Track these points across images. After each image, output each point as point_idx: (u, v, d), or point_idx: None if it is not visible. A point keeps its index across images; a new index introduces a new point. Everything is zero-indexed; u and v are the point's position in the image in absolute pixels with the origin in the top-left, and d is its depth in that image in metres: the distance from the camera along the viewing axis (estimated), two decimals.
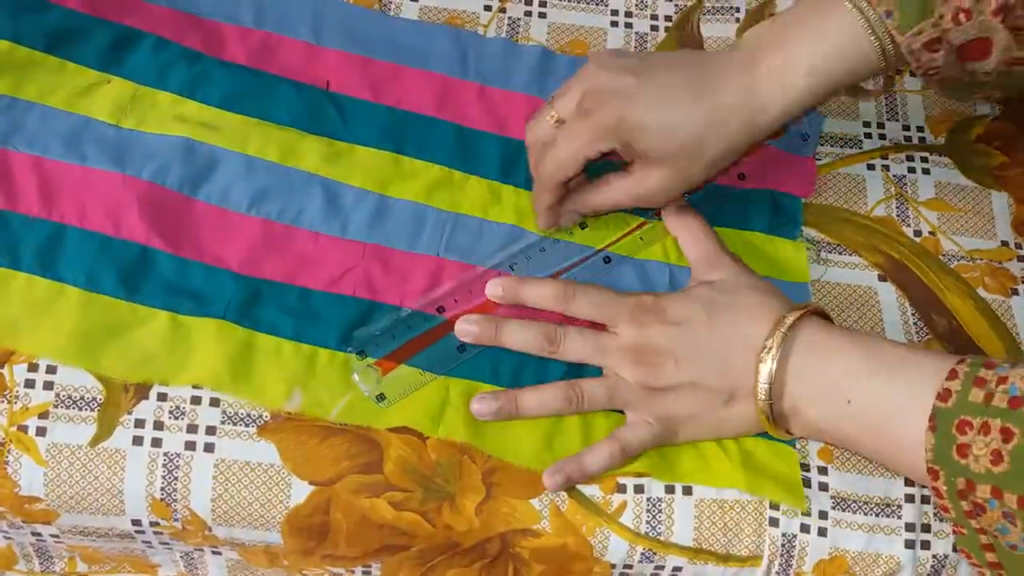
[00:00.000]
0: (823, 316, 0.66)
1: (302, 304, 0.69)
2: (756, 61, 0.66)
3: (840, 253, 0.74)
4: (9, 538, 0.70)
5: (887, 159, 0.78)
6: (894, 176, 0.77)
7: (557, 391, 0.66)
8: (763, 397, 0.63)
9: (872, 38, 0.64)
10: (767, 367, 0.63)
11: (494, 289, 0.69)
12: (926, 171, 0.78)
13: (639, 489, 0.66)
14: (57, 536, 0.68)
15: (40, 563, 0.73)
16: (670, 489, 0.66)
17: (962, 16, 0.62)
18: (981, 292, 0.73)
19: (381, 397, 0.66)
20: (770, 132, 0.67)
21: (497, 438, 0.66)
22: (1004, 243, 0.75)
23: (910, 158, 0.78)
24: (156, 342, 0.67)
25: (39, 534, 0.68)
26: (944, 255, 0.75)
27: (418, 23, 0.80)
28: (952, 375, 0.59)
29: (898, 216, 0.76)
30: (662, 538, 0.65)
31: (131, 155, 0.71)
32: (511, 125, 0.77)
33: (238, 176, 0.72)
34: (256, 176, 0.72)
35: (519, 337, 0.67)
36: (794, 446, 0.67)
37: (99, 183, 0.70)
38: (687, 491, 0.66)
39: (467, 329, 0.67)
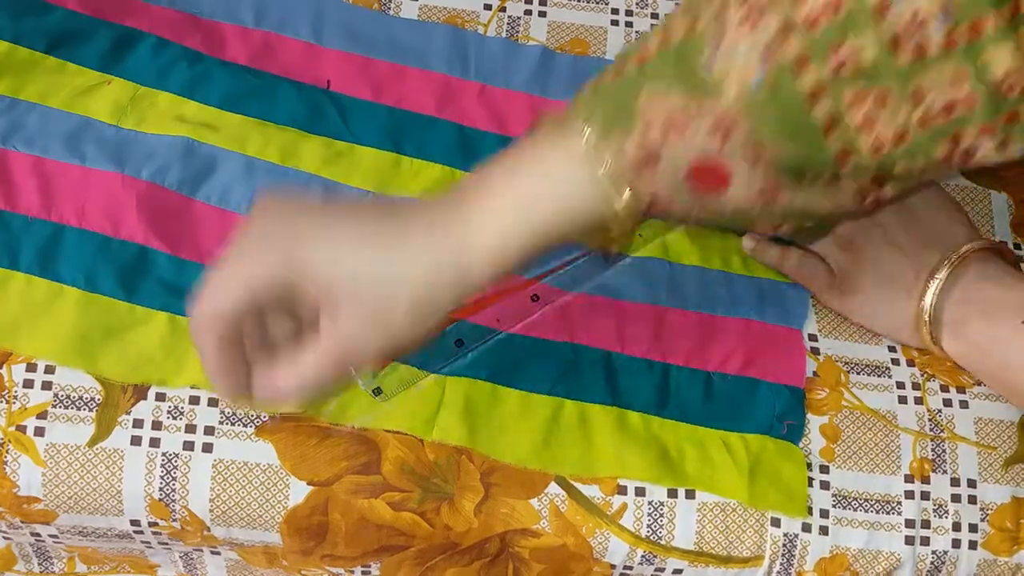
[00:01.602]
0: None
1: None
2: (454, 211, 0.55)
3: None
4: (8, 538, 0.70)
5: None
6: None
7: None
8: (934, 291, 0.65)
9: (581, 171, 0.53)
10: (944, 269, 0.65)
11: None
12: None
13: (640, 492, 0.66)
14: (56, 536, 0.68)
15: (39, 563, 0.73)
16: (672, 493, 0.66)
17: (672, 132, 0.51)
18: None
19: (378, 391, 0.66)
20: (479, 287, 0.56)
21: (494, 440, 0.66)
22: (1002, 243, 0.75)
23: None
24: (154, 343, 0.66)
25: (38, 534, 0.68)
26: None
27: (418, 23, 0.80)
28: None
29: None
30: (663, 542, 0.65)
31: (131, 155, 0.71)
32: (512, 124, 0.77)
33: (238, 177, 0.72)
34: (256, 177, 0.72)
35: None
36: (797, 444, 0.67)
37: (98, 183, 0.70)
38: (690, 495, 0.66)
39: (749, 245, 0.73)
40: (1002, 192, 0.77)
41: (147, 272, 0.68)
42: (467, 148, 0.75)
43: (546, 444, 0.66)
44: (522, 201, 0.54)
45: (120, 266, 0.68)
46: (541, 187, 0.54)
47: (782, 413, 0.68)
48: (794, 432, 0.68)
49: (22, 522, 0.66)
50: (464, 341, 0.68)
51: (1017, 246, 0.75)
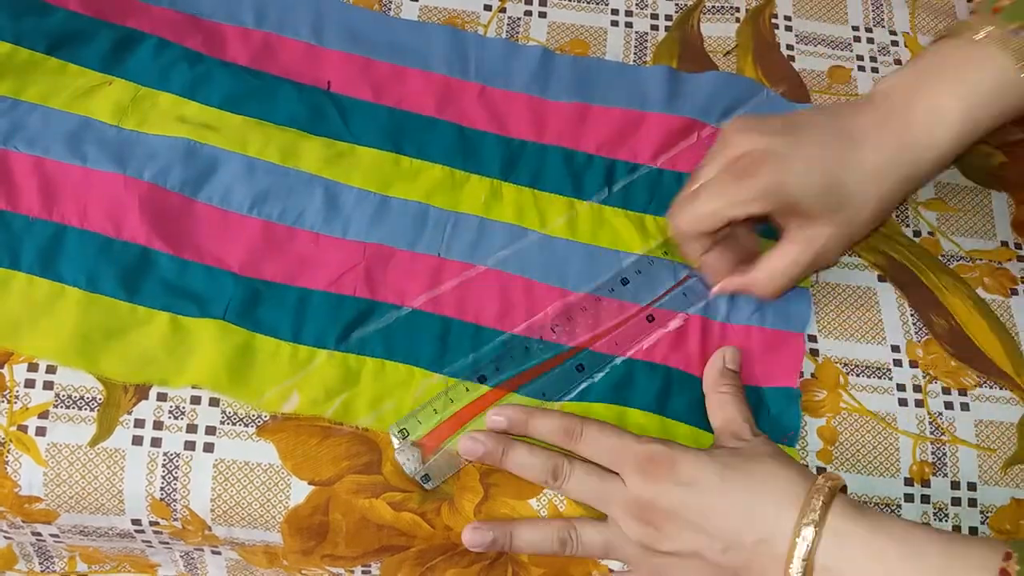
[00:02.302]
0: (843, 489, 0.61)
1: (301, 305, 0.69)
2: (896, 115, 0.65)
3: None
4: (9, 538, 0.70)
5: None
6: None
7: (551, 532, 0.63)
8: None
9: (1019, 67, 0.63)
10: (795, 567, 0.58)
11: (497, 419, 0.65)
12: None
13: None
14: (57, 536, 0.68)
15: (40, 563, 0.73)
16: None
17: None
18: (980, 292, 0.73)
19: (426, 478, 0.66)
20: (927, 180, 0.68)
21: None
22: (1004, 243, 0.75)
23: None
24: (155, 343, 0.67)
25: (39, 534, 0.68)
26: (943, 255, 0.74)
27: (419, 24, 0.80)
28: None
29: (897, 217, 0.76)
30: None
31: (132, 156, 0.71)
32: (512, 125, 0.77)
33: (239, 177, 0.72)
34: (257, 177, 0.72)
35: (524, 462, 0.64)
36: (794, 446, 0.67)
37: (100, 184, 0.70)
38: None
39: (472, 448, 0.64)
40: (1002, 192, 0.77)
41: (148, 272, 0.68)
42: (467, 148, 0.75)
43: None
44: (960, 92, 0.64)
45: (122, 266, 0.68)
46: (977, 79, 0.64)
47: (777, 415, 0.68)
48: (791, 437, 0.68)
49: (23, 522, 0.66)
50: (585, 366, 0.68)
51: (1018, 245, 0.75)
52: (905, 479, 0.67)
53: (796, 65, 0.80)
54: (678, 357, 0.69)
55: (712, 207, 0.65)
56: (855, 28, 0.83)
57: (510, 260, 0.72)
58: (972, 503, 0.67)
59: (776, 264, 0.68)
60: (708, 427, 0.67)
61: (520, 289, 0.71)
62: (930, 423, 0.68)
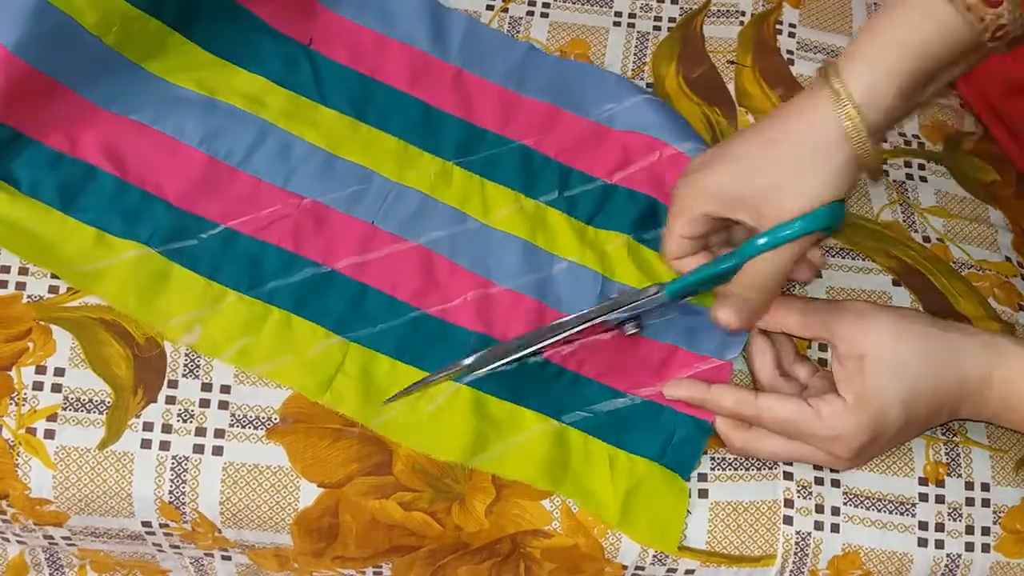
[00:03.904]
0: None
1: (224, 245, 0.69)
2: (839, 70, 0.63)
3: (853, 258, 0.74)
4: (22, 542, 0.69)
5: (886, 163, 0.78)
6: (894, 181, 0.77)
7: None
8: None
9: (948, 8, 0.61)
10: None
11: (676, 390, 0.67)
12: (924, 179, 0.78)
13: None
14: (69, 538, 0.67)
15: (51, 573, 0.73)
16: None
17: None
18: (992, 304, 0.73)
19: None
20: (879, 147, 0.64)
21: (397, 422, 0.66)
22: (1007, 259, 0.76)
23: (908, 164, 0.78)
24: (75, 252, 0.68)
25: (51, 537, 0.67)
26: (954, 262, 0.75)
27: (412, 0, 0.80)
28: None
29: (904, 222, 0.76)
30: None
31: (101, 82, 0.72)
32: (478, 112, 0.77)
33: (196, 112, 0.73)
34: (214, 115, 0.73)
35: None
36: (685, 478, 0.66)
37: (64, 101, 0.71)
38: (703, 494, 0.66)
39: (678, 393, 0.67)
40: (997, 209, 0.78)
41: (89, 189, 0.70)
42: (427, 127, 0.75)
43: (434, 422, 0.66)
44: (902, 35, 0.61)
45: (65, 179, 0.70)
46: (918, 23, 0.61)
47: (679, 443, 0.67)
48: (684, 465, 0.67)
49: (35, 524, 0.65)
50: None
51: (1020, 264, 0.76)
52: (919, 478, 0.67)
53: (794, 70, 0.81)
54: (597, 361, 0.69)
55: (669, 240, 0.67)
56: None
57: (442, 241, 0.71)
58: (985, 503, 0.67)
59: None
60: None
61: (445, 271, 0.71)
62: (941, 424, 0.69)
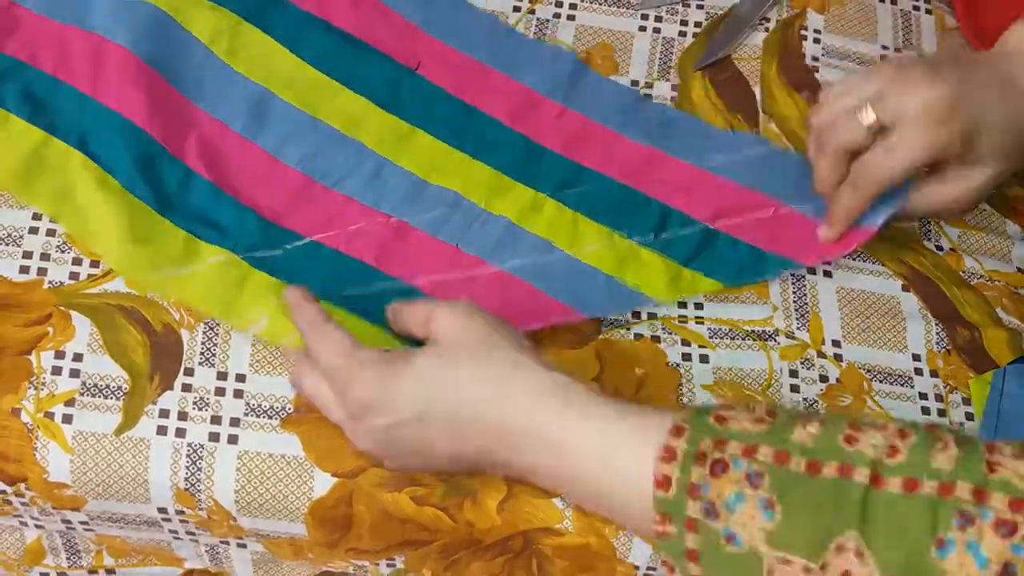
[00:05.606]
0: None
1: (308, 256, 0.70)
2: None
3: (864, 261, 0.74)
4: (40, 526, 0.70)
5: None
6: None
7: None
8: None
9: None
10: None
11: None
12: None
13: None
14: (87, 523, 0.68)
15: (67, 557, 0.73)
16: None
17: None
18: (1000, 313, 0.73)
19: None
20: None
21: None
22: (1019, 270, 0.76)
23: None
24: (167, 255, 0.68)
25: (69, 521, 0.68)
26: (965, 272, 0.75)
27: (524, 37, 0.81)
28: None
29: (920, 230, 0.76)
30: None
31: (209, 89, 0.75)
32: (578, 150, 0.76)
33: (297, 131, 0.74)
34: (313, 135, 0.74)
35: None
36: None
37: (169, 101, 0.74)
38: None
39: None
40: (1016, 223, 0.78)
41: (186, 192, 0.71)
42: (527, 160, 0.75)
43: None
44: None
45: (161, 178, 0.71)
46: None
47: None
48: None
49: (53, 508, 0.66)
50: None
51: None
52: None
53: (819, 76, 0.81)
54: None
55: (908, 160, 0.65)
56: (884, 47, 0.83)
57: (526, 269, 0.71)
58: None
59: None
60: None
61: (523, 296, 0.70)
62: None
